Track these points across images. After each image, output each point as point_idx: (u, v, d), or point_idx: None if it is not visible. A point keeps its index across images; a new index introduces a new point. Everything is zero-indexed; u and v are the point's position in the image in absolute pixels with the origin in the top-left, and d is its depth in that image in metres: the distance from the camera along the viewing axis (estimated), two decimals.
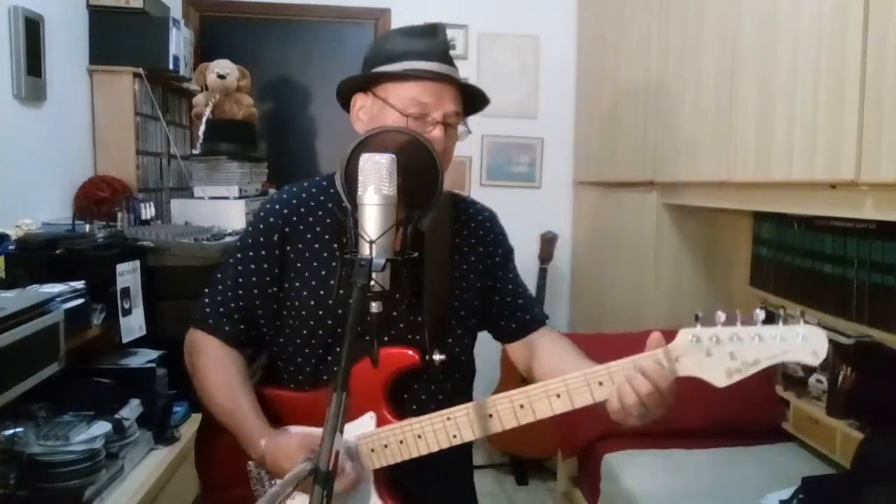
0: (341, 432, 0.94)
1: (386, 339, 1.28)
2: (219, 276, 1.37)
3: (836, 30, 1.77)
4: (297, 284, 1.31)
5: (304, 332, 1.31)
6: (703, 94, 2.53)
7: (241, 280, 1.33)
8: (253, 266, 1.32)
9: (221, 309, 1.34)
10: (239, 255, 1.34)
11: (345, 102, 1.35)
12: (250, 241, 1.34)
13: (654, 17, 2.99)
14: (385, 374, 1.25)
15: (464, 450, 1.30)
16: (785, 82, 2.01)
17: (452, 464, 1.34)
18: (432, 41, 1.27)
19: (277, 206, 1.33)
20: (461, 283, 1.36)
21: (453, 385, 1.34)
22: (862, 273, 2.35)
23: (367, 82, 1.30)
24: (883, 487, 1.93)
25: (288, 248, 1.31)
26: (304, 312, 1.31)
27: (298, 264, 1.31)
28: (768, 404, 2.71)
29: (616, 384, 1.10)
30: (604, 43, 3.57)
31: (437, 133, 1.25)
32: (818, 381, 2.50)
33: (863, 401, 2.32)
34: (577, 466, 3.01)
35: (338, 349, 1.27)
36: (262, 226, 1.33)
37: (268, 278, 1.32)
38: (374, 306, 1.09)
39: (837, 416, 2.38)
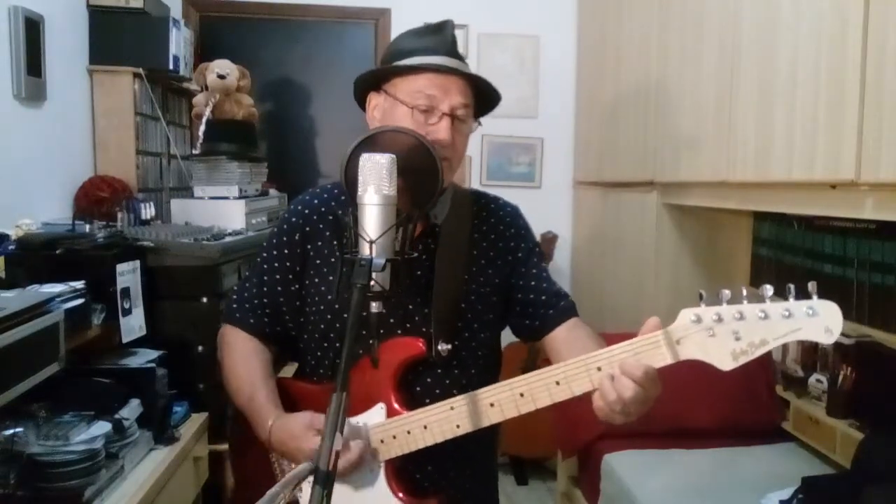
0: (341, 432, 0.94)
1: (399, 331, 1.30)
2: (247, 273, 1.45)
3: (836, 30, 1.77)
4: (317, 281, 1.36)
5: (323, 326, 1.35)
6: (703, 94, 2.53)
7: (265, 277, 1.39)
8: (276, 264, 1.39)
9: (247, 304, 1.40)
10: (265, 255, 1.41)
11: (361, 102, 1.38)
12: (275, 240, 1.40)
13: (654, 17, 2.99)
14: (392, 365, 1.26)
15: (483, 440, 1.29)
16: (785, 82, 2.01)
17: (468, 454, 1.34)
18: (439, 37, 1.31)
19: (300, 207, 1.40)
20: (479, 278, 1.36)
21: (469, 379, 1.33)
22: (862, 273, 2.35)
23: (378, 80, 1.33)
24: (883, 487, 1.93)
25: (309, 246, 1.37)
26: (322, 307, 1.35)
27: (318, 261, 1.36)
28: (768, 404, 2.71)
29: (612, 371, 1.06)
30: (604, 43, 3.57)
31: (443, 124, 1.26)
32: (818, 381, 2.50)
33: (863, 401, 2.32)
34: (577, 466, 3.01)
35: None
36: (285, 226, 1.40)
37: (290, 276, 1.38)
38: (375, 306, 1.09)
39: (837, 416, 2.38)
